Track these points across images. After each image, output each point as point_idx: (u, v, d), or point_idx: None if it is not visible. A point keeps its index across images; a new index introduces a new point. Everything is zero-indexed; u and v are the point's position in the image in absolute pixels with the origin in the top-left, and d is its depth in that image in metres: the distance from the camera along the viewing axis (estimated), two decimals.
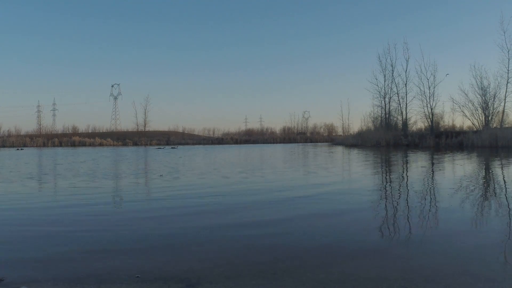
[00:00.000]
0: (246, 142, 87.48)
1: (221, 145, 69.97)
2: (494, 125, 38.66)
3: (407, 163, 17.93)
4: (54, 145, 74.53)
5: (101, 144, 77.73)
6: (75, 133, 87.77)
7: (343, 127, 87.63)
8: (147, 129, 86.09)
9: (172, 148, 52.49)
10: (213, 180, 11.17)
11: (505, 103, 38.51)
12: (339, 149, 38.41)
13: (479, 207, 6.58)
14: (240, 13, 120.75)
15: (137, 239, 4.67)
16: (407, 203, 6.95)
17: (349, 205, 6.97)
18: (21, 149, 49.64)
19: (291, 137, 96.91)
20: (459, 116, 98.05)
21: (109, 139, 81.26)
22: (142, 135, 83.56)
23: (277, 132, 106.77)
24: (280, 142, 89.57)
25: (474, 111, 40.65)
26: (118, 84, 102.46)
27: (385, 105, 48.55)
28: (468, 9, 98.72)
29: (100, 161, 22.09)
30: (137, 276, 3.36)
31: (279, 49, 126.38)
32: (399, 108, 47.44)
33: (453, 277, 3.26)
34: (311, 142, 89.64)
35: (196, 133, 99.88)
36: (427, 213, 5.99)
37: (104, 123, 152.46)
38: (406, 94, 46.21)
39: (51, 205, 7.27)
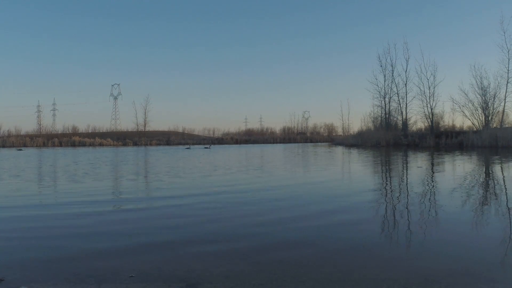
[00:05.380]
0: (246, 142, 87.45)
1: (228, 145, 69.92)
2: (494, 125, 38.66)
3: (407, 163, 17.92)
4: (54, 145, 74.49)
5: (101, 144, 77.69)
6: (75, 133, 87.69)
7: (343, 127, 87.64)
8: (147, 129, 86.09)
9: (205, 148, 51.85)
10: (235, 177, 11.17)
11: (505, 103, 38.55)
12: (340, 149, 38.40)
13: (479, 207, 6.58)
14: (240, 13, 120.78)
15: (137, 239, 4.67)
16: (407, 203, 6.95)
17: (349, 205, 6.97)
18: (21, 150, 49.45)
19: (291, 137, 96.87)
20: (459, 116, 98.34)
21: (109, 139, 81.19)
22: (142, 135, 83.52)
23: (277, 132, 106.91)
24: (280, 142, 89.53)
25: (474, 111, 40.69)
26: (118, 84, 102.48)
27: (385, 105, 48.60)
28: (468, 9, 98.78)
29: (159, 163, 22.05)
30: (131, 276, 3.36)
31: (279, 49, 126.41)
32: (399, 108, 47.50)
33: (453, 277, 3.26)
34: (311, 142, 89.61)
35: (196, 133, 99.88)
36: (427, 213, 5.99)
37: (104, 123, 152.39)
38: (406, 94, 46.28)
39: (50, 205, 7.27)
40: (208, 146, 60.91)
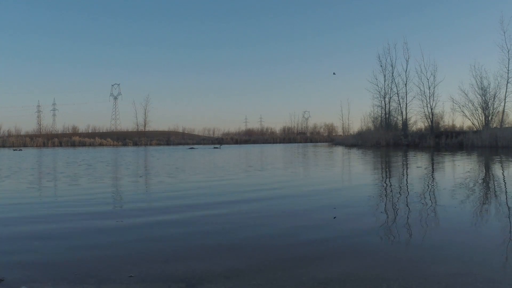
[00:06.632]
0: (246, 142, 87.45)
1: (228, 145, 69.85)
2: (494, 125, 38.68)
3: (407, 163, 17.92)
4: (54, 145, 74.48)
5: (101, 144, 77.70)
6: (75, 133, 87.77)
7: (343, 127, 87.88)
8: (147, 129, 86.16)
9: (214, 148, 50.87)
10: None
11: (505, 103, 38.60)
12: (341, 150, 38.41)
13: (479, 207, 6.58)
14: (240, 13, 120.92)
15: (137, 239, 4.67)
16: (407, 203, 6.95)
17: (349, 204, 6.96)
18: (20, 150, 49.21)
19: (291, 137, 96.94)
20: (459, 116, 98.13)
21: (109, 139, 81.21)
22: (142, 135, 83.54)
23: (277, 132, 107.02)
24: (280, 142, 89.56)
25: (474, 111, 40.72)
26: (118, 84, 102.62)
27: (385, 105, 48.64)
28: (468, 9, 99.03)
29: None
30: (131, 276, 3.36)
31: (279, 49, 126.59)
32: (399, 108, 47.53)
33: (453, 277, 3.26)
34: (311, 142, 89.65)
35: (196, 133, 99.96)
36: (427, 213, 5.98)
37: (104, 123, 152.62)
38: (406, 94, 46.33)
39: (50, 206, 7.26)
40: (218, 146, 59.33)
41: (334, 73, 57.79)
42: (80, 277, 3.34)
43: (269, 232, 4.94)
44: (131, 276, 3.36)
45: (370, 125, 55.39)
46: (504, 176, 11.57)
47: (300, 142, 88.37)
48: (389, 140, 43.46)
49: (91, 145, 76.28)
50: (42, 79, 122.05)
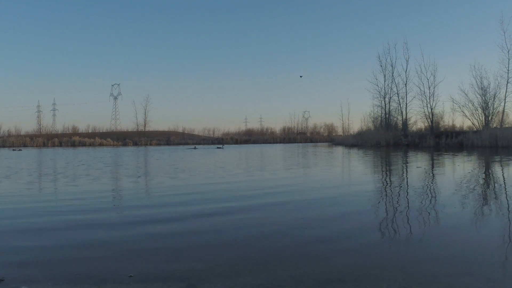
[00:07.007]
0: (246, 142, 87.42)
1: (228, 145, 69.82)
2: (494, 125, 38.68)
3: (407, 163, 17.92)
4: (54, 145, 74.49)
5: (101, 144, 77.68)
6: (75, 133, 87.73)
7: (343, 127, 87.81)
8: (147, 129, 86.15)
9: (217, 148, 50.59)
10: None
11: (505, 103, 38.59)
12: (341, 150, 38.41)
13: (479, 207, 6.58)
14: (240, 13, 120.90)
15: (137, 239, 4.67)
16: (407, 203, 6.95)
17: (349, 205, 6.96)
18: (20, 150, 49.06)
19: (291, 137, 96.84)
20: (459, 116, 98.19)
21: (109, 139, 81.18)
22: (142, 135, 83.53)
23: (277, 132, 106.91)
24: (280, 142, 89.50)
25: (474, 111, 40.71)
26: (118, 84, 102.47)
27: (385, 105, 48.60)
28: (468, 9, 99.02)
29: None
30: (131, 276, 3.36)
31: (279, 49, 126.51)
32: (399, 108, 47.48)
33: (453, 277, 3.26)
34: (311, 142, 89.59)
35: (196, 133, 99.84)
36: (427, 213, 5.98)
37: (104, 123, 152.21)
38: (406, 94, 46.28)
39: (50, 206, 7.27)
40: (221, 146, 59.23)
41: (300, 76, 60.24)
42: (80, 277, 3.34)
43: (269, 233, 4.93)
44: (131, 276, 3.36)
45: (370, 125, 55.40)
46: (504, 177, 11.57)
47: (300, 142, 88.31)
48: (389, 140, 43.46)
49: (91, 145, 76.26)
50: (42, 79, 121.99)
